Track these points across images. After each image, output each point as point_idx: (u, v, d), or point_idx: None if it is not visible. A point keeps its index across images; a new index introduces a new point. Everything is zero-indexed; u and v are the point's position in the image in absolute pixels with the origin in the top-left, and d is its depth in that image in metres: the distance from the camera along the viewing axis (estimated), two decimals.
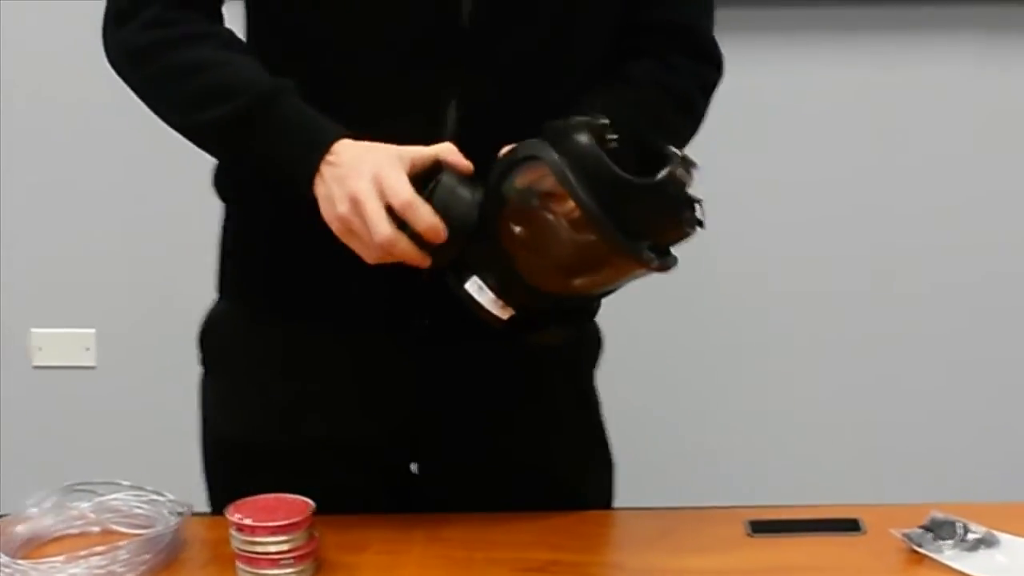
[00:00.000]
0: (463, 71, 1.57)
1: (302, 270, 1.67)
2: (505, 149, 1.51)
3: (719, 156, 3.08)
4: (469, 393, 1.69)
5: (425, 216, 1.46)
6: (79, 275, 3.27)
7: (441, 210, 1.48)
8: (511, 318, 1.52)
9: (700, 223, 1.48)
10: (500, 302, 1.51)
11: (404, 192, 1.47)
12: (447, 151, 1.51)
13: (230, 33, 1.63)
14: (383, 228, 1.46)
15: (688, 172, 1.47)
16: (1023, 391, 3.24)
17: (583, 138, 1.47)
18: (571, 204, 1.45)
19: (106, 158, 3.21)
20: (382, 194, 1.47)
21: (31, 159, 3.22)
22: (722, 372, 3.27)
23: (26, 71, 3.17)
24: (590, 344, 1.80)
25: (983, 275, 3.22)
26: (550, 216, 1.47)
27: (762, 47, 3.09)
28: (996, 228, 3.20)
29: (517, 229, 1.49)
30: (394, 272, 1.56)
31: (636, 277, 1.52)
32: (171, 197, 3.20)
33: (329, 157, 1.51)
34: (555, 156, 1.47)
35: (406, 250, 1.48)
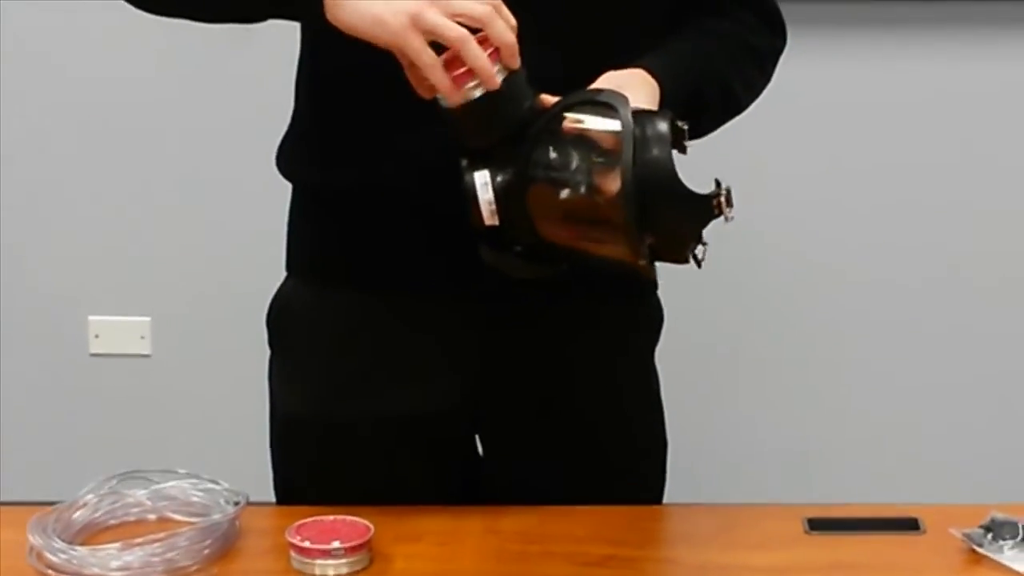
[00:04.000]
0: (529, 41, 1.55)
1: (368, 236, 1.69)
2: (592, 86, 1.53)
3: (782, 151, 3.10)
4: (529, 360, 1.71)
5: (506, 31, 1.46)
6: (135, 263, 3.29)
7: (505, 99, 1.49)
8: (490, 228, 1.52)
9: (699, 262, 1.49)
10: (494, 208, 1.51)
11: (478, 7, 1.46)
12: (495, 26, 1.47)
13: None
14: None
15: (728, 206, 1.47)
16: None
17: (662, 124, 1.48)
18: (612, 170, 1.46)
19: (160, 147, 3.22)
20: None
21: (86, 147, 3.23)
22: (781, 368, 3.25)
23: (80, 56, 3.19)
24: (651, 319, 1.81)
25: None
26: (584, 165, 1.48)
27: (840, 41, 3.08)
28: None
29: (549, 158, 1.49)
30: (457, 232, 1.57)
31: (615, 266, 1.52)
32: (225, 187, 3.21)
33: None
34: (629, 117, 1.47)
35: (478, 54, 1.46)
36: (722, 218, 1.47)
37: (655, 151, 1.47)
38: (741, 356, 3.25)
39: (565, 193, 1.49)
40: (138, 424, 3.31)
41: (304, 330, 1.75)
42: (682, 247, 1.50)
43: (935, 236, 3.18)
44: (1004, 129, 3.14)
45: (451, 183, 1.55)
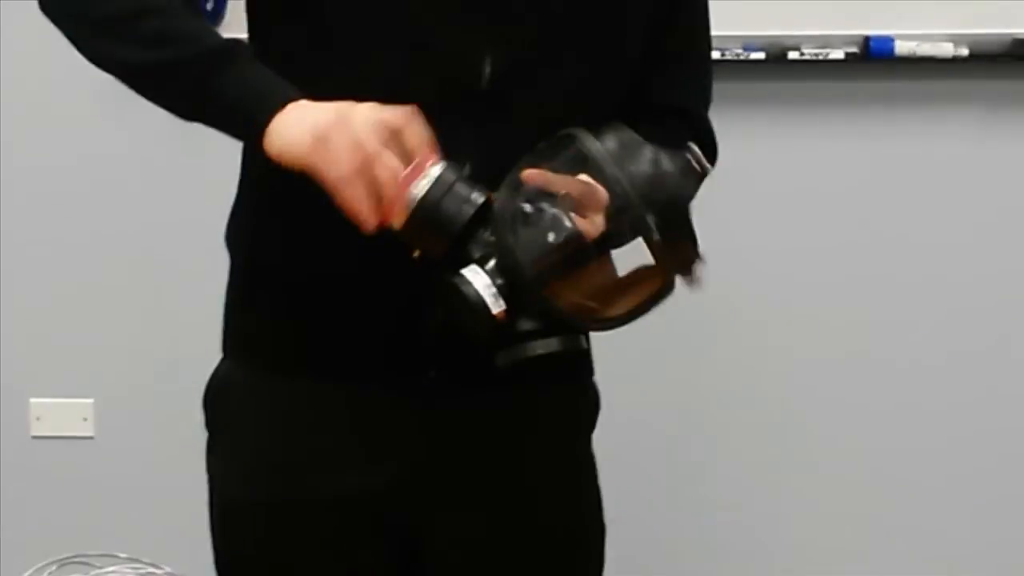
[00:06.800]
0: (479, 132, 1.57)
1: (307, 322, 1.68)
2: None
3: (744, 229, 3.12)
4: (468, 450, 1.70)
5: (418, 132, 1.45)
6: (77, 344, 3.27)
7: (431, 206, 1.43)
8: (496, 326, 1.45)
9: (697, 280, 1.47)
10: (494, 290, 1.43)
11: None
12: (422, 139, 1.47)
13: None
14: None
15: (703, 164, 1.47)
16: None
17: (625, 133, 1.47)
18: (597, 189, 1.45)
19: (102, 227, 3.22)
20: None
21: (30, 224, 3.22)
22: (731, 440, 3.26)
23: (28, 119, 3.19)
24: (589, 405, 1.81)
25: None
26: (565, 208, 1.44)
27: (765, 121, 3.11)
28: (1003, 304, 3.21)
29: (530, 219, 1.44)
30: (400, 323, 1.57)
31: (653, 300, 1.49)
32: (168, 268, 3.20)
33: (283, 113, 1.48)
34: (586, 136, 1.46)
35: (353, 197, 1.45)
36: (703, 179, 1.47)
37: (621, 141, 1.46)
38: (690, 434, 3.25)
39: (560, 239, 1.44)
40: (80, 508, 3.27)
41: (241, 412, 1.74)
42: (688, 225, 1.46)
43: (900, 313, 3.21)
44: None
45: (397, 272, 1.56)
